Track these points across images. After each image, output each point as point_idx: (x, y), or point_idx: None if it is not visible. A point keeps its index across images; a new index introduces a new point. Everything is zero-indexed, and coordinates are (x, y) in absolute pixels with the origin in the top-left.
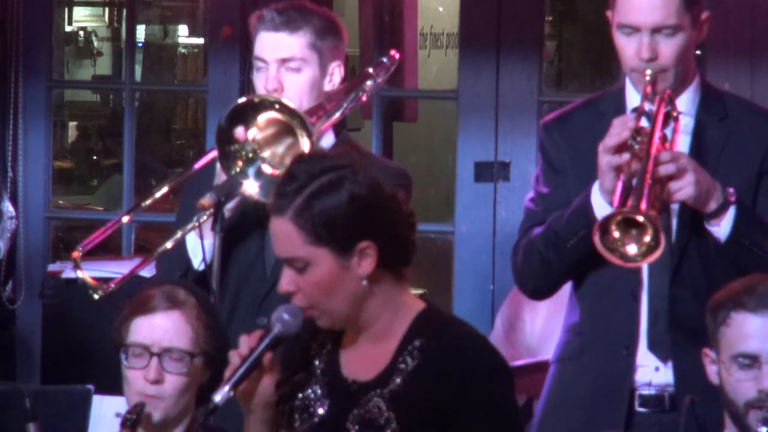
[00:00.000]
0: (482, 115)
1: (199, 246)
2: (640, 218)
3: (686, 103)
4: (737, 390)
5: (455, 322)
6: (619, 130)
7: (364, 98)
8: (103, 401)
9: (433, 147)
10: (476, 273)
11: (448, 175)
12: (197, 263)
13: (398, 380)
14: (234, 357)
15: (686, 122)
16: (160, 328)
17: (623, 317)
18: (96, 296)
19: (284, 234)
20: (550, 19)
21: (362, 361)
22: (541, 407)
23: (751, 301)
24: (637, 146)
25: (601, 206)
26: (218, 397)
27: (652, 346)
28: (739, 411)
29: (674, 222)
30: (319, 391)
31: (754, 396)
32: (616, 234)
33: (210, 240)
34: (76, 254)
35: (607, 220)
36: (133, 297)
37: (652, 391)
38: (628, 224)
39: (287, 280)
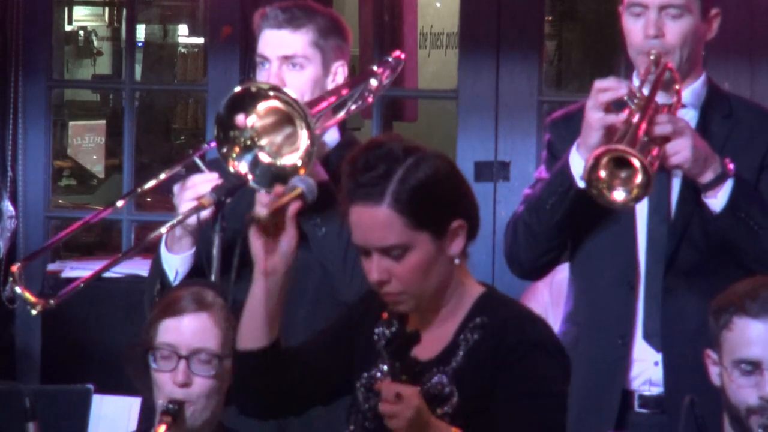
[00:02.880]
0: (482, 115)
1: (173, 260)
2: (634, 160)
3: (692, 96)
4: (738, 395)
5: (514, 302)
6: (615, 85)
7: (370, 99)
8: (103, 401)
9: (433, 147)
10: (476, 273)
11: None
12: (172, 276)
13: (460, 356)
14: (263, 197)
15: (691, 116)
16: (189, 330)
17: (619, 307)
18: (34, 312)
19: (381, 222)
20: (550, 19)
21: (425, 342)
22: None
23: (754, 307)
24: (633, 106)
25: (579, 164)
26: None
27: (647, 336)
28: (740, 415)
29: (672, 212)
30: (385, 370)
31: (755, 402)
32: (603, 174)
33: (182, 254)
34: (15, 268)
35: (598, 157)
36: (162, 299)
37: (653, 392)
38: (617, 166)
39: (381, 269)
